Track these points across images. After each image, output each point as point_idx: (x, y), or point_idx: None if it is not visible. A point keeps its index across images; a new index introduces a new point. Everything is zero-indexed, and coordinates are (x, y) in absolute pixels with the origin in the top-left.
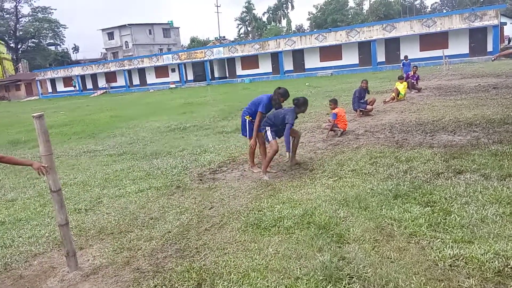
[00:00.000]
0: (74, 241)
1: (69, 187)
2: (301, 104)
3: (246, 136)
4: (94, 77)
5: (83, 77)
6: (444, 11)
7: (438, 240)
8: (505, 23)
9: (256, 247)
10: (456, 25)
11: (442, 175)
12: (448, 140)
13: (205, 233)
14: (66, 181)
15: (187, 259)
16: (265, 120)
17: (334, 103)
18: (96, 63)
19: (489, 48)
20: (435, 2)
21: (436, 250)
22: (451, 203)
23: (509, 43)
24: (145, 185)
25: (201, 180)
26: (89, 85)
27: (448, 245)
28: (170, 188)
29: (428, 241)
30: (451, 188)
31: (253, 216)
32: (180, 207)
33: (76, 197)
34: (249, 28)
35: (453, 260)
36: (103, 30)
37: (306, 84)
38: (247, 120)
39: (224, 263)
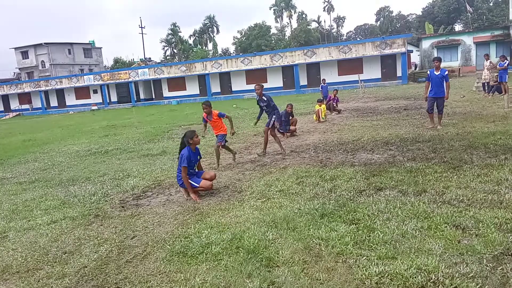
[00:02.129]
0: None
1: None
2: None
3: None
4: (5, 98)
5: None
6: (358, 39)
7: (364, 257)
8: (411, 51)
9: (182, 278)
10: (369, 52)
11: (364, 192)
12: (368, 159)
13: (126, 266)
14: None
15: None
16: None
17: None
18: (8, 84)
19: (399, 73)
20: (350, 31)
21: (362, 268)
22: (374, 219)
23: (415, 68)
24: (59, 215)
25: (123, 207)
26: (0, 107)
27: (373, 262)
28: (87, 218)
29: (354, 260)
30: (373, 205)
31: (179, 244)
32: (99, 238)
33: None
34: (175, 50)
35: (379, 277)
36: (16, 48)
37: (234, 106)
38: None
39: None
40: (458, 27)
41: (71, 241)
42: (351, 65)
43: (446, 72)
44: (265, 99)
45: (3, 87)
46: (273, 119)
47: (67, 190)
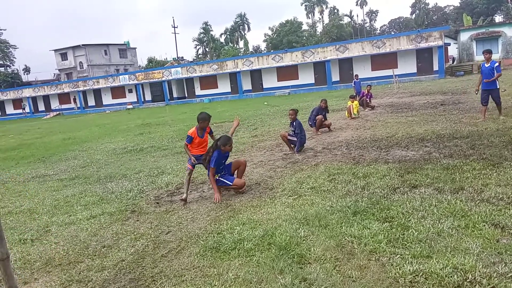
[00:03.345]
0: (18, 274)
1: (15, 216)
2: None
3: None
4: (46, 98)
5: (34, 99)
6: (392, 33)
7: (398, 256)
8: (449, 44)
9: (216, 272)
10: (404, 46)
11: (398, 190)
12: (402, 155)
13: (162, 260)
14: (11, 209)
15: None
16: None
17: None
18: (49, 84)
19: (435, 67)
20: (384, 25)
21: (396, 266)
22: (408, 217)
23: (453, 62)
24: (97, 210)
25: (158, 203)
26: (41, 107)
27: (407, 261)
28: (124, 213)
29: (388, 258)
30: (407, 202)
31: (212, 240)
32: (135, 233)
33: (21, 227)
34: (207, 49)
35: (413, 276)
36: (56, 50)
37: (265, 103)
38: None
39: None
40: (498, 19)
41: (109, 235)
42: (385, 60)
43: (496, 64)
44: (295, 124)
45: (44, 87)
46: (297, 142)
47: (105, 186)
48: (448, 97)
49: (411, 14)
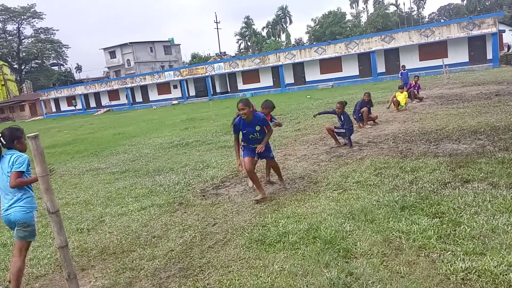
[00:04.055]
0: (76, 261)
1: (72, 207)
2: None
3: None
4: (97, 95)
5: (86, 96)
6: (442, 21)
7: (449, 252)
8: (503, 31)
9: (261, 264)
10: (454, 34)
11: (449, 184)
12: (453, 149)
13: (209, 251)
14: (68, 200)
15: (191, 279)
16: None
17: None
18: (99, 82)
19: (489, 55)
20: (432, 13)
21: (447, 263)
22: (460, 213)
23: (508, 50)
24: (147, 202)
25: (204, 196)
26: (93, 103)
27: (459, 258)
28: (172, 205)
29: (438, 254)
30: (459, 198)
31: (257, 232)
32: (183, 224)
33: (78, 217)
34: (249, 43)
35: (466, 274)
36: (105, 49)
37: (308, 96)
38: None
39: (228, 281)
40: None
41: (159, 226)
42: (434, 49)
43: None
44: (343, 118)
45: (95, 85)
46: (345, 132)
47: (153, 179)
48: (503, 87)
49: (462, 0)
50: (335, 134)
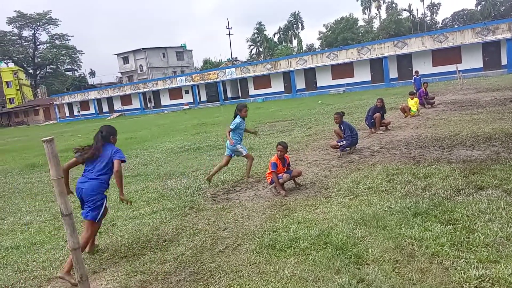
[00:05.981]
0: (88, 264)
1: None
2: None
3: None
4: (110, 100)
5: (99, 101)
6: (456, 26)
7: (462, 260)
8: None
9: (272, 270)
10: (468, 39)
11: (463, 191)
12: (467, 155)
13: (219, 255)
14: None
15: (201, 283)
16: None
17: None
18: (112, 87)
19: (504, 61)
20: (446, 18)
21: (460, 270)
22: (474, 220)
23: None
24: (158, 206)
25: (214, 200)
26: (105, 108)
27: (473, 265)
28: (183, 209)
29: (451, 261)
30: (473, 205)
31: (268, 237)
32: (194, 229)
33: None
34: (260, 49)
35: (479, 281)
36: (118, 54)
37: (319, 102)
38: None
39: (239, 286)
40: None
41: (169, 230)
42: (448, 55)
43: None
44: (343, 127)
45: (108, 90)
46: (345, 142)
47: (164, 183)
48: None
49: (476, 6)
50: (340, 147)
